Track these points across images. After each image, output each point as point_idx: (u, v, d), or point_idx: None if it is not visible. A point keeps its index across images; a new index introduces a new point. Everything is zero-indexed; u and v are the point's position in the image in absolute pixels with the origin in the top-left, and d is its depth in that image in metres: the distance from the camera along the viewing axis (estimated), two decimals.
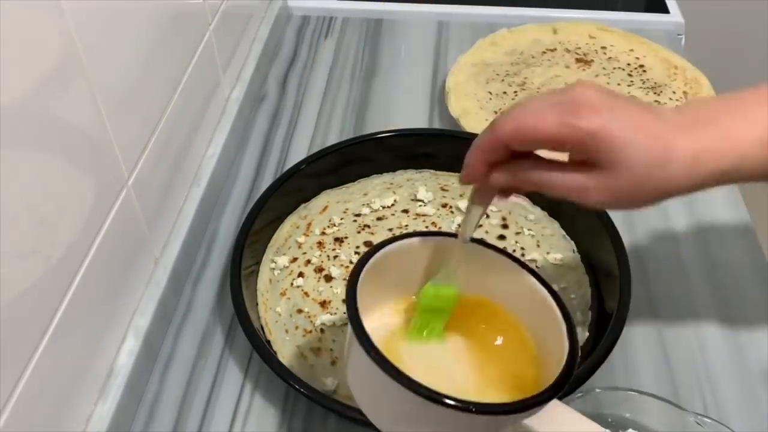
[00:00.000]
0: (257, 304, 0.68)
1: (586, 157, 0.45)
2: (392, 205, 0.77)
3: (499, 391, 0.48)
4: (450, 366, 0.50)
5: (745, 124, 0.46)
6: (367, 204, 0.77)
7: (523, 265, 0.51)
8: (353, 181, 0.79)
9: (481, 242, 0.53)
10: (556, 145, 0.45)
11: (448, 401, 0.41)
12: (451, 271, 0.51)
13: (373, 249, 0.50)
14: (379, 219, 0.76)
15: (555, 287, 0.68)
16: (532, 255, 0.72)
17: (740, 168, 0.46)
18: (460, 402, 0.41)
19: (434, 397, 0.41)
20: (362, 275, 0.47)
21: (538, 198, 0.77)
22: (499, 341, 0.51)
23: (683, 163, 0.45)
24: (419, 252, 0.52)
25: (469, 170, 0.49)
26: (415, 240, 0.52)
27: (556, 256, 0.72)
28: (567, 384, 0.44)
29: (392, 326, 0.52)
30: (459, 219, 0.75)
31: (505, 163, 0.47)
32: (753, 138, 0.46)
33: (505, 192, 0.50)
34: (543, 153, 0.47)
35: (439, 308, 0.51)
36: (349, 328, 0.45)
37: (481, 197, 0.50)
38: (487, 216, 0.76)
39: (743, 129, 0.46)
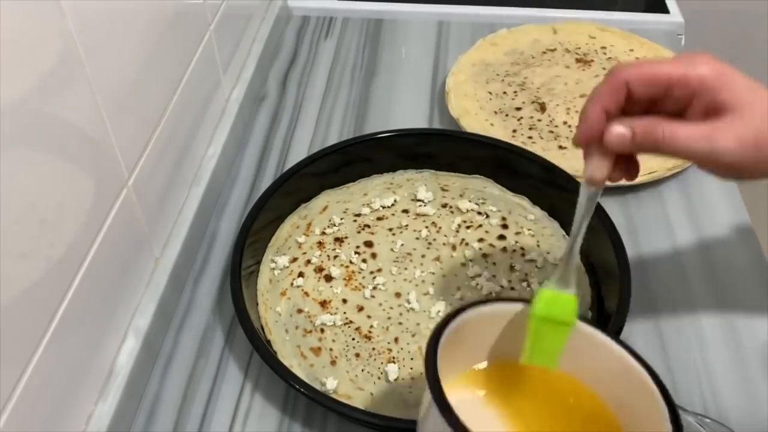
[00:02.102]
0: (257, 304, 0.68)
1: (710, 100, 0.44)
2: (392, 205, 0.77)
3: None
4: None
5: None
6: (367, 204, 0.77)
7: (622, 343, 0.47)
8: (353, 181, 0.79)
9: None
10: (680, 86, 0.44)
11: None
12: (569, 275, 0.46)
13: (455, 312, 0.46)
14: (379, 219, 0.76)
15: None
16: (532, 255, 0.72)
17: None
18: None
19: None
20: (442, 340, 0.44)
21: (537, 197, 0.77)
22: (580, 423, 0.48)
23: None
24: (498, 320, 0.48)
25: (588, 121, 0.45)
26: (497, 306, 0.48)
27: (556, 256, 0.72)
28: None
29: (464, 398, 0.47)
30: (459, 219, 0.75)
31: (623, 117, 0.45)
32: None
33: (615, 167, 0.47)
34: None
35: (558, 319, 0.46)
36: (428, 395, 0.41)
37: (598, 167, 0.46)
38: (487, 216, 0.76)
39: None
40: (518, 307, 0.49)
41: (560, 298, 0.47)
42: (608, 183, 0.48)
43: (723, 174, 0.46)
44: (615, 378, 0.46)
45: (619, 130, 0.45)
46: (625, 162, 0.49)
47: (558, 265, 0.48)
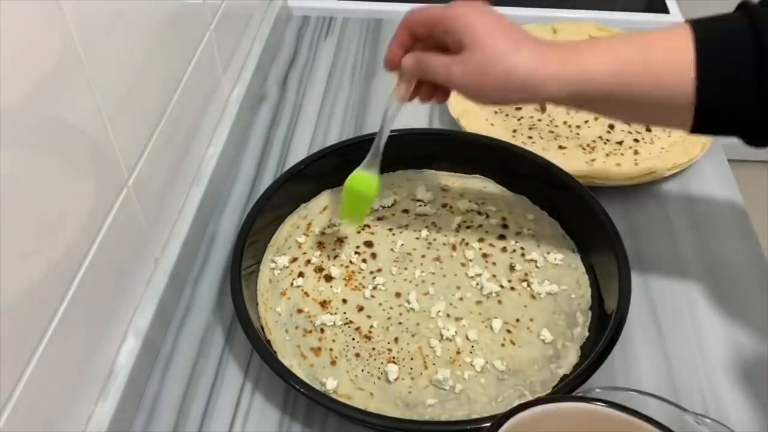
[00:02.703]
0: (257, 304, 0.68)
1: (455, 39, 0.56)
2: (392, 205, 0.77)
3: None
4: None
5: (595, 57, 0.55)
6: None
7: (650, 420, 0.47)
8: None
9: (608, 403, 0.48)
10: (436, 24, 0.58)
11: None
12: (375, 163, 0.67)
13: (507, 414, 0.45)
14: (379, 219, 0.76)
15: (555, 288, 0.69)
16: (532, 255, 0.72)
17: (584, 84, 0.55)
18: None
19: None
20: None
21: (537, 197, 0.77)
22: None
23: (529, 62, 0.55)
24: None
25: (389, 53, 0.62)
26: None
27: (556, 256, 0.72)
28: None
29: None
30: (459, 218, 0.75)
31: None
32: (601, 61, 0.54)
33: (424, 89, 0.63)
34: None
35: (363, 193, 0.68)
36: None
37: (401, 88, 0.62)
38: (487, 216, 0.76)
39: (595, 57, 0.55)
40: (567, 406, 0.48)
41: (365, 177, 0.69)
42: (422, 101, 0.64)
43: (467, 96, 0.58)
44: None
45: (406, 57, 0.61)
46: (433, 87, 0.63)
47: (368, 156, 0.68)
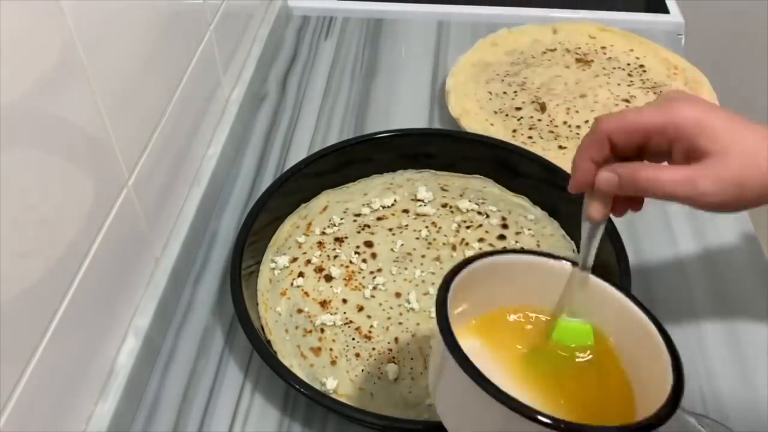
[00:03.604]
0: (257, 304, 0.68)
1: (689, 146, 0.47)
2: (392, 205, 0.77)
3: (577, 414, 0.46)
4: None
5: None
6: (367, 204, 0.77)
7: (635, 300, 0.50)
8: (353, 181, 0.79)
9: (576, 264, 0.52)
10: (658, 134, 0.47)
11: (541, 418, 0.40)
12: (576, 307, 0.51)
13: (468, 260, 0.48)
14: (379, 219, 0.76)
15: None
16: None
17: None
18: (552, 420, 0.40)
19: (527, 413, 0.40)
20: (454, 284, 0.46)
21: (537, 197, 0.77)
22: (586, 358, 0.50)
23: None
24: (520, 271, 0.50)
25: (578, 172, 0.50)
26: (519, 257, 0.51)
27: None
28: (669, 417, 0.43)
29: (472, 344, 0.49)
30: (459, 218, 0.75)
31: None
32: None
33: (617, 204, 0.51)
34: None
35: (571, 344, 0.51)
36: (441, 343, 0.43)
37: (596, 209, 0.50)
38: (487, 216, 0.76)
39: None
40: (528, 258, 0.52)
41: (576, 328, 0.51)
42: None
43: (709, 210, 0.49)
44: (622, 327, 0.50)
45: (605, 175, 0.49)
46: (629, 199, 0.51)
47: (566, 294, 0.52)
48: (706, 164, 0.46)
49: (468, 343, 0.45)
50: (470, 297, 0.48)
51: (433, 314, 0.66)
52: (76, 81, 0.52)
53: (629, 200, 0.52)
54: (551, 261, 0.53)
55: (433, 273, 0.71)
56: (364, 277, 0.70)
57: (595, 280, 0.51)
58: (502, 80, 0.93)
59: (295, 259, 0.72)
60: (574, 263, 0.52)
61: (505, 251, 0.50)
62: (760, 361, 0.65)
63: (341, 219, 0.76)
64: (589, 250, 0.51)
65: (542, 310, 0.53)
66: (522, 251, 0.51)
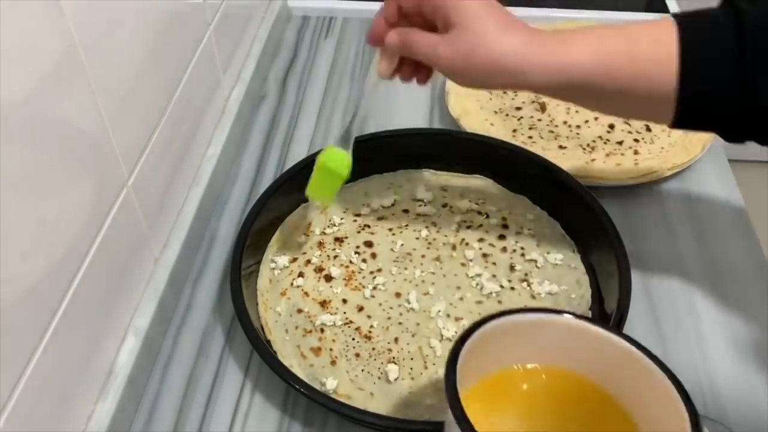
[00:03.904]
0: (257, 304, 0.68)
1: (444, 17, 0.56)
2: (392, 205, 0.77)
3: None
4: None
5: (582, 47, 0.55)
6: (367, 204, 0.77)
7: (620, 333, 0.49)
8: (353, 181, 0.79)
9: (582, 318, 0.51)
10: (425, 3, 0.57)
11: None
12: (349, 137, 0.64)
13: (472, 329, 0.48)
14: (379, 219, 0.76)
15: (555, 287, 0.69)
16: (532, 255, 0.72)
17: (570, 77, 0.55)
18: None
19: None
20: (462, 354, 0.45)
21: (537, 197, 0.77)
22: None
23: (517, 47, 0.54)
24: (521, 330, 0.50)
25: (373, 28, 0.60)
26: (518, 318, 0.50)
27: (556, 256, 0.72)
28: None
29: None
30: (459, 218, 0.75)
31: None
32: (580, 60, 0.54)
33: (406, 68, 0.62)
34: None
35: (334, 170, 0.65)
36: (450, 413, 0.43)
37: (384, 66, 0.61)
38: (487, 216, 0.76)
39: (581, 47, 0.55)
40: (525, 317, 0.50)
41: (339, 154, 0.65)
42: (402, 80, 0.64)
43: (451, 77, 0.58)
44: (617, 367, 0.49)
45: (390, 34, 0.59)
46: (415, 66, 0.62)
47: (342, 131, 0.64)
48: (450, 34, 0.55)
49: (475, 407, 0.44)
50: (471, 365, 0.47)
51: (433, 314, 0.67)
52: (76, 81, 0.52)
53: (416, 69, 0.62)
54: (551, 316, 0.51)
55: (433, 273, 0.71)
56: (364, 277, 0.70)
57: (588, 326, 0.50)
58: None
59: (295, 259, 0.72)
60: (574, 314, 0.51)
61: (504, 313, 0.49)
62: (760, 360, 0.65)
63: (341, 219, 0.76)
64: (362, 106, 0.65)
65: (544, 365, 0.51)
66: (519, 311, 0.50)
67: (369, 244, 0.73)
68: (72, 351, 0.54)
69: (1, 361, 0.44)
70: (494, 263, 0.71)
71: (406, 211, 0.77)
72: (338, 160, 0.65)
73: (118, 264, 0.60)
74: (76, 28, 0.50)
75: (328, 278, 0.70)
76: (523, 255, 0.72)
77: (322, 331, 0.66)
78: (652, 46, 0.53)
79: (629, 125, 0.86)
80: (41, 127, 0.48)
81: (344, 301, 0.68)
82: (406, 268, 0.71)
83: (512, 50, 0.54)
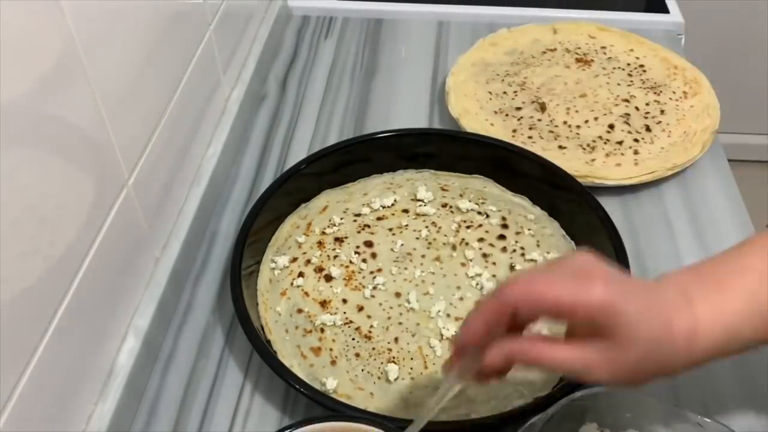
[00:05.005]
0: (257, 304, 0.68)
1: (593, 328, 0.44)
2: (392, 205, 0.77)
3: None
4: None
5: (727, 297, 0.47)
6: (367, 204, 0.77)
7: None
8: (353, 181, 0.79)
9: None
10: (567, 313, 0.45)
11: None
12: None
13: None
14: (379, 219, 0.76)
15: None
16: (532, 255, 0.72)
17: (731, 338, 0.47)
18: None
19: None
20: None
21: (537, 197, 0.77)
22: None
23: (683, 340, 0.46)
24: None
25: (470, 330, 0.47)
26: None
27: (556, 256, 0.72)
28: None
29: None
30: (459, 218, 0.75)
31: (501, 339, 0.46)
32: (735, 310, 0.47)
33: (488, 373, 0.47)
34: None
35: None
36: None
37: (462, 370, 0.48)
38: (487, 216, 0.76)
39: (728, 302, 0.47)
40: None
41: None
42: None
43: (604, 383, 0.48)
44: None
45: (496, 357, 0.46)
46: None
47: None
48: (606, 347, 0.44)
49: None
50: None
51: (433, 314, 0.67)
52: (76, 81, 0.52)
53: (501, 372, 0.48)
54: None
55: (433, 273, 0.71)
56: (364, 277, 0.70)
57: None
58: (502, 80, 0.93)
59: (295, 259, 0.72)
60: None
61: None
62: (760, 361, 0.65)
63: (341, 219, 0.76)
64: (435, 408, 0.49)
65: None
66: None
67: (369, 244, 0.73)
68: (72, 351, 0.54)
69: (1, 361, 0.44)
70: (494, 263, 0.71)
71: (406, 211, 0.77)
72: None
73: (118, 264, 0.60)
74: (76, 27, 0.50)
75: (328, 278, 0.70)
76: (523, 255, 0.72)
77: (322, 331, 0.66)
78: None
79: (629, 125, 0.86)
80: (41, 127, 0.48)
81: (344, 301, 0.68)
82: (406, 268, 0.71)
83: (682, 356, 0.46)
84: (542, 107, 0.89)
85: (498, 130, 0.85)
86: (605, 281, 0.44)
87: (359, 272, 0.71)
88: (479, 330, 0.46)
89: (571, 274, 0.45)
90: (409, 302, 0.68)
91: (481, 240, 0.74)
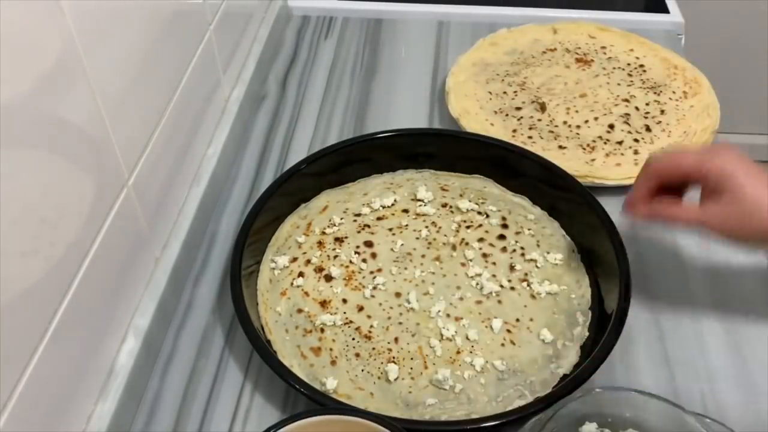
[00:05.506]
0: (257, 304, 0.68)
1: (714, 186, 0.58)
2: (392, 204, 0.77)
3: None
4: None
5: None
6: (367, 204, 0.77)
7: None
8: (353, 181, 0.79)
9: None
10: (697, 175, 0.59)
11: None
12: None
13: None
14: (379, 219, 0.76)
15: (555, 287, 0.69)
16: (532, 255, 0.72)
17: None
18: None
19: None
20: None
21: (537, 197, 0.77)
22: None
23: None
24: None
25: (636, 200, 0.63)
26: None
27: (556, 256, 0.72)
28: None
29: None
30: (459, 218, 0.75)
31: (655, 200, 0.62)
32: None
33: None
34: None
35: None
36: None
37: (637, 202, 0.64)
38: (487, 216, 0.76)
39: None
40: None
41: None
42: None
43: (721, 238, 0.60)
44: None
45: (644, 212, 0.63)
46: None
47: None
48: (718, 203, 0.58)
49: None
50: None
51: (433, 314, 0.67)
52: (76, 81, 0.52)
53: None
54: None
55: (433, 273, 0.71)
56: (364, 277, 0.70)
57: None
58: (502, 80, 0.93)
59: (295, 259, 0.72)
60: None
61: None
62: (760, 361, 0.65)
63: (341, 219, 0.76)
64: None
65: None
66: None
67: (369, 244, 0.73)
68: (72, 351, 0.54)
69: (1, 361, 0.44)
70: (494, 263, 0.71)
71: (406, 211, 0.77)
72: None
73: (118, 264, 0.60)
74: (76, 27, 0.50)
75: (328, 278, 0.70)
76: (523, 255, 0.72)
77: (322, 331, 0.66)
78: None
79: (629, 125, 0.86)
80: (41, 127, 0.48)
81: (344, 301, 0.68)
82: (406, 268, 0.71)
83: None
84: (542, 107, 0.89)
85: (498, 130, 0.85)
86: (729, 154, 0.58)
87: (359, 272, 0.71)
88: (643, 194, 0.63)
89: (704, 149, 0.61)
90: (409, 302, 0.68)
91: (481, 240, 0.74)
